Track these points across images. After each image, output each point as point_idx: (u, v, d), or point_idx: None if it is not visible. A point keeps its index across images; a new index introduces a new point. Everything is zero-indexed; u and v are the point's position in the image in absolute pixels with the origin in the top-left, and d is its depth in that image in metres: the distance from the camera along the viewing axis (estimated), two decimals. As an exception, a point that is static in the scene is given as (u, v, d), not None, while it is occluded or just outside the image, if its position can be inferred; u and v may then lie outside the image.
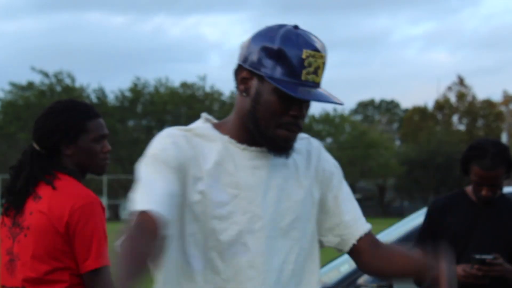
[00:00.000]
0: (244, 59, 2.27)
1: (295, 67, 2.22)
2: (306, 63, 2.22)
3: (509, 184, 5.25)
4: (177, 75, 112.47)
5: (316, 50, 2.24)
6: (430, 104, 65.91)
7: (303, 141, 2.42)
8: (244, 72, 2.26)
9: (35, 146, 3.05)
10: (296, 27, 2.28)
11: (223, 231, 2.23)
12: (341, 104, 2.26)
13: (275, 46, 2.22)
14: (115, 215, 56.04)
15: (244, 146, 2.29)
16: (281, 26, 2.27)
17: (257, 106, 2.24)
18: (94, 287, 2.89)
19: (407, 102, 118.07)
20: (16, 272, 2.97)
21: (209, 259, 2.24)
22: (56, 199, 2.92)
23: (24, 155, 3.06)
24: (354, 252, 2.43)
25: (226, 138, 2.29)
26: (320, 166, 2.41)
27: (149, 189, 2.15)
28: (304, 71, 2.22)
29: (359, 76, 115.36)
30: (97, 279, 2.89)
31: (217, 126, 2.33)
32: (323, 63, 2.25)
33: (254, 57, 2.25)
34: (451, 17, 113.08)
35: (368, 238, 2.43)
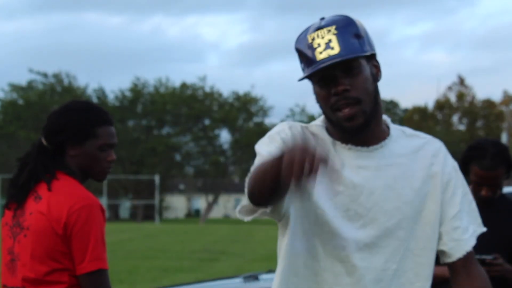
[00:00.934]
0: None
1: (308, 54, 2.29)
2: (315, 45, 2.27)
3: (509, 184, 5.25)
4: (175, 75, 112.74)
5: (319, 28, 2.29)
6: (429, 104, 65.90)
7: (421, 141, 2.44)
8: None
9: (43, 141, 3.05)
10: (322, 18, 2.35)
11: (325, 223, 2.29)
12: (361, 54, 2.29)
13: (295, 46, 2.34)
14: (115, 215, 56.06)
15: (349, 146, 2.35)
16: (309, 27, 2.35)
17: (318, 104, 2.35)
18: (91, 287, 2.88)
19: (405, 102, 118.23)
20: (16, 272, 2.97)
21: (311, 244, 2.31)
22: (55, 200, 2.91)
23: (32, 148, 3.07)
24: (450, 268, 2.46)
25: (332, 139, 2.37)
26: (446, 170, 2.42)
27: (264, 157, 2.20)
28: (316, 53, 2.27)
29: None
30: (91, 282, 2.87)
31: (328, 129, 2.40)
32: (335, 34, 2.28)
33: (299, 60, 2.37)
34: (449, 18, 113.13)
35: (467, 258, 2.47)
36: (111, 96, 58.15)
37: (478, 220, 2.50)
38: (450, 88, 60.08)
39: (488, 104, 59.05)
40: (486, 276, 2.50)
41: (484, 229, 2.49)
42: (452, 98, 60.23)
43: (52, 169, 2.99)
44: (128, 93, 57.53)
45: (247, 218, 2.27)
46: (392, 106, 76.08)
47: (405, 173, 2.37)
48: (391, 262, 2.33)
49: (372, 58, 2.40)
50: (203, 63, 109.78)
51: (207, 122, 55.70)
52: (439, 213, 2.40)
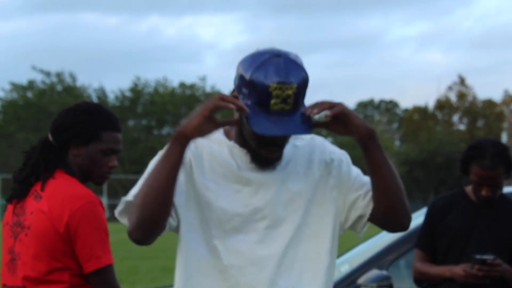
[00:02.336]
0: (234, 79, 2.49)
1: (263, 98, 2.39)
2: (274, 95, 2.38)
3: (509, 184, 5.26)
4: (172, 75, 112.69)
5: (283, 82, 2.39)
6: (429, 104, 65.94)
7: (306, 141, 2.61)
8: (234, 91, 2.48)
9: (50, 136, 3.06)
10: (278, 55, 2.43)
11: (227, 221, 2.48)
12: (305, 133, 2.43)
13: (248, 76, 2.41)
14: (115, 215, 56.06)
15: (246, 150, 2.51)
16: (262, 54, 2.44)
17: (242, 126, 2.47)
18: (99, 286, 2.91)
19: (404, 102, 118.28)
20: (17, 271, 2.97)
21: (213, 246, 2.47)
22: (56, 199, 2.92)
23: (38, 142, 3.09)
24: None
25: (231, 143, 2.53)
26: (328, 158, 2.58)
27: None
28: (272, 102, 2.38)
29: (354, 76, 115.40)
30: (101, 278, 2.91)
31: (226, 132, 2.58)
32: (294, 93, 2.39)
33: (237, 81, 2.47)
34: (444, 18, 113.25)
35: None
36: (111, 96, 58.19)
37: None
38: (450, 88, 60.09)
39: (489, 104, 59.05)
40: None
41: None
42: (453, 98, 60.24)
43: (52, 167, 3.00)
44: (128, 93, 57.56)
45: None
46: (392, 106, 76.08)
47: (295, 168, 2.55)
48: (290, 248, 2.49)
49: None
50: (200, 64, 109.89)
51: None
52: (343, 193, 2.57)
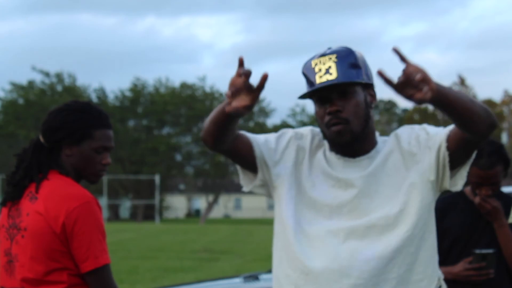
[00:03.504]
0: None
1: (310, 77, 2.70)
2: (316, 70, 2.66)
3: (509, 184, 5.26)
4: (170, 75, 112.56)
5: (322, 55, 2.69)
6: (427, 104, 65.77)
7: (390, 137, 2.81)
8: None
9: (41, 138, 3.06)
10: (329, 48, 2.73)
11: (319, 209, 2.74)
12: (355, 81, 2.67)
13: (302, 71, 2.74)
14: (115, 215, 56.06)
15: (338, 156, 2.76)
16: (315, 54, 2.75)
17: (317, 120, 2.75)
18: (96, 286, 2.90)
19: (403, 102, 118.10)
20: (15, 273, 2.96)
21: (300, 213, 2.73)
22: (52, 200, 2.91)
23: (29, 145, 3.08)
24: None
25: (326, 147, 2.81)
26: (412, 145, 2.75)
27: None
28: (317, 77, 2.66)
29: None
30: (98, 278, 2.90)
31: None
32: (335, 62, 2.66)
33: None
34: (441, 19, 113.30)
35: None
36: (111, 96, 58.16)
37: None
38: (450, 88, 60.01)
39: (489, 104, 58.99)
40: None
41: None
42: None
43: (45, 168, 3.00)
44: (128, 93, 57.53)
45: (248, 188, 2.82)
46: (390, 106, 76.04)
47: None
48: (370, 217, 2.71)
49: (369, 87, 2.77)
50: (198, 64, 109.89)
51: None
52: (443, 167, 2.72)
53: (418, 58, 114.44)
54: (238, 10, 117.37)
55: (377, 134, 2.82)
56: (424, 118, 60.11)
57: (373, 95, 2.78)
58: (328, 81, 2.64)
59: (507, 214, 4.06)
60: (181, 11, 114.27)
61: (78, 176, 3.04)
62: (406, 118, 63.90)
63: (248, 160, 2.78)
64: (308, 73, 2.71)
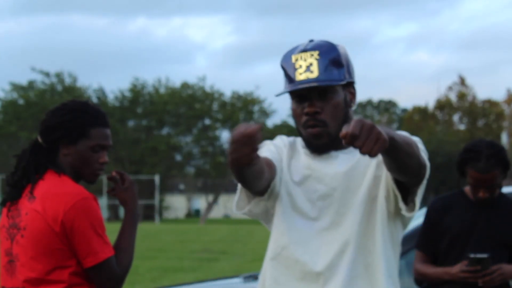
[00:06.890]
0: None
1: (290, 73, 2.53)
2: (297, 66, 2.52)
3: (509, 184, 5.25)
4: (165, 76, 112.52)
5: (303, 51, 2.53)
6: (427, 104, 65.87)
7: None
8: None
9: (39, 138, 3.06)
10: (311, 40, 2.59)
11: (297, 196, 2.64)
12: (336, 83, 2.54)
13: (280, 64, 2.59)
14: (115, 215, 56.03)
15: (314, 155, 2.65)
16: (295, 47, 2.61)
17: (293, 119, 2.64)
18: (99, 279, 2.92)
19: (402, 102, 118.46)
20: (16, 273, 2.97)
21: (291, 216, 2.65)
22: (49, 198, 2.92)
23: (28, 145, 3.08)
24: None
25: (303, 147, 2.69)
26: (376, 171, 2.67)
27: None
28: (296, 73, 2.52)
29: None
30: (100, 273, 2.91)
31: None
32: (317, 59, 2.51)
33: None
34: (432, 20, 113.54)
35: None
36: (110, 96, 58.14)
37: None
38: (450, 88, 60.05)
39: (490, 104, 59.00)
40: None
41: None
42: (453, 98, 60.20)
43: (43, 168, 3.00)
44: (128, 93, 57.51)
45: (242, 211, 2.66)
46: (390, 106, 76.04)
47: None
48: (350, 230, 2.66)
49: (349, 85, 2.64)
50: (191, 64, 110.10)
51: (207, 122, 55.70)
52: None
53: (409, 59, 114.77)
54: (229, 11, 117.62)
55: None
56: (424, 118, 60.12)
57: (353, 93, 2.67)
58: (308, 79, 2.51)
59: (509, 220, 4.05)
60: (173, 12, 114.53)
61: (77, 176, 3.05)
62: (406, 118, 63.88)
63: (265, 185, 2.62)
64: (287, 68, 2.57)
